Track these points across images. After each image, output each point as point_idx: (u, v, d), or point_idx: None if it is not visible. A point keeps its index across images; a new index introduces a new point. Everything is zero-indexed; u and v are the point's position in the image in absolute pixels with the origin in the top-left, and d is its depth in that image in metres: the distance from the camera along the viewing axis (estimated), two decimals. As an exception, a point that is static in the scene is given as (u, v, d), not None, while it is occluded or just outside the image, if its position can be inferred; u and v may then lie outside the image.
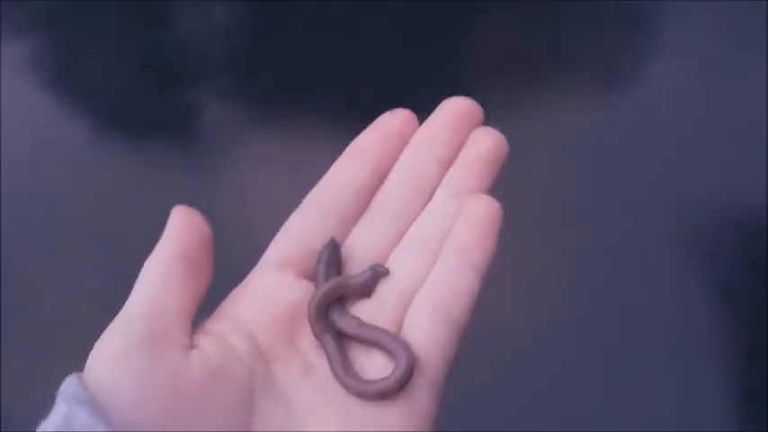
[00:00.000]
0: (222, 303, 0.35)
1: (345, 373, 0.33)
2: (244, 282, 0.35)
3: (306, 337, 0.34)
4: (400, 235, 0.36)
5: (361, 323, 0.34)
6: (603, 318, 0.89)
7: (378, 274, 0.34)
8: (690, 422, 0.80)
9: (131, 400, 0.30)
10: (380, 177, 0.37)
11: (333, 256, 0.35)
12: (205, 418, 0.30)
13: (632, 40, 0.98)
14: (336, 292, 0.34)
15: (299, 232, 0.35)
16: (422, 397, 0.33)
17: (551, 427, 0.81)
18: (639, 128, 0.95)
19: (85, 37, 1.03)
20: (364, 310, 0.34)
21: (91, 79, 1.01)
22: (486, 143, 0.37)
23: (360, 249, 0.35)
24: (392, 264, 0.35)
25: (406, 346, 0.33)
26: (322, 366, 0.33)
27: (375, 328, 0.33)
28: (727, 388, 0.80)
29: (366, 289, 0.35)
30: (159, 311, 0.31)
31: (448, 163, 0.37)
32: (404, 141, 0.37)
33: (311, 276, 0.35)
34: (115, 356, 0.30)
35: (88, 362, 0.31)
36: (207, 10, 0.99)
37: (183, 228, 0.33)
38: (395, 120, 0.37)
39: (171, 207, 0.36)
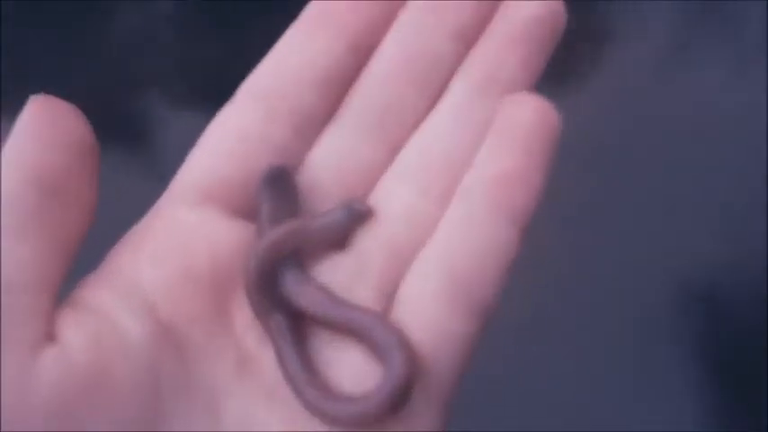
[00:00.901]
0: (108, 256, 0.22)
1: (304, 379, 0.20)
2: (142, 221, 0.22)
3: (241, 312, 0.21)
4: (393, 152, 0.23)
5: (330, 297, 0.21)
6: (602, 318, 0.84)
7: (356, 214, 0.22)
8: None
9: None
10: (360, 57, 0.23)
11: (284, 184, 0.22)
12: None
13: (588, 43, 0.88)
14: (291, 243, 0.21)
15: (229, 144, 0.22)
16: (422, 418, 0.21)
17: (550, 427, 0.77)
18: (598, 123, 0.87)
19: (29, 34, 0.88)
20: (334, 276, 0.22)
21: (36, 80, 0.86)
22: (533, 9, 0.23)
23: (327, 174, 0.22)
24: (380, 200, 0.22)
25: (403, 341, 0.20)
26: (266, 358, 0.21)
27: (352, 307, 0.21)
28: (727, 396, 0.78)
29: (337, 239, 0.22)
30: None
31: (471, 38, 0.23)
32: (398, 6, 0.24)
33: (249, 216, 0.22)
34: None
35: None
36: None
37: (40, 131, 0.20)
38: None
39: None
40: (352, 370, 0.21)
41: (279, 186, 0.21)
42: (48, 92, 0.21)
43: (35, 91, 0.22)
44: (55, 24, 0.86)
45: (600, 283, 0.83)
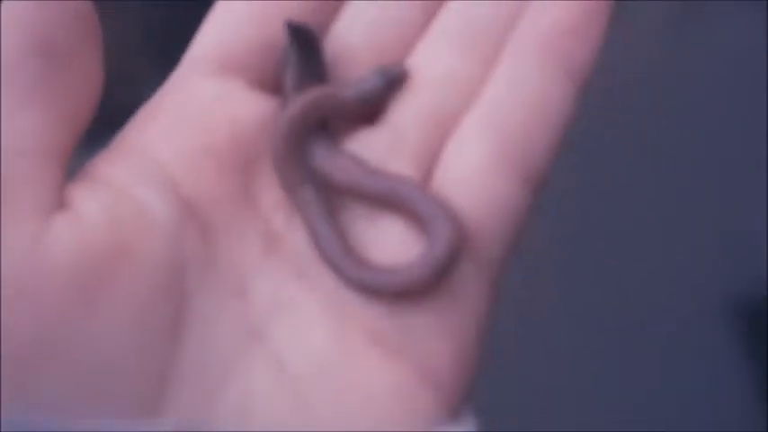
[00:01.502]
0: (123, 130, 0.20)
1: (341, 253, 0.19)
2: (157, 95, 0.20)
3: (267, 190, 0.19)
4: (429, 13, 0.21)
5: (365, 167, 0.19)
6: (603, 317, 0.85)
7: (392, 79, 0.20)
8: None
9: None
10: None
11: (310, 48, 0.20)
12: (83, 345, 0.16)
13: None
14: (320, 113, 0.20)
15: (249, 7, 0.20)
16: (470, 295, 0.19)
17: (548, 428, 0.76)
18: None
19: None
20: (369, 147, 0.20)
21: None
22: None
23: (357, 38, 0.21)
24: (419, 64, 0.20)
25: (448, 208, 0.18)
26: (296, 238, 0.19)
27: (391, 175, 0.19)
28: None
29: (372, 108, 0.20)
30: None
31: None
32: None
33: (272, 86, 0.20)
34: None
35: None
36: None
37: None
38: None
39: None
40: (389, 244, 0.19)
41: (304, 50, 0.20)
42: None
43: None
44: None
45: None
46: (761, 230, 0.78)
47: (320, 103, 0.19)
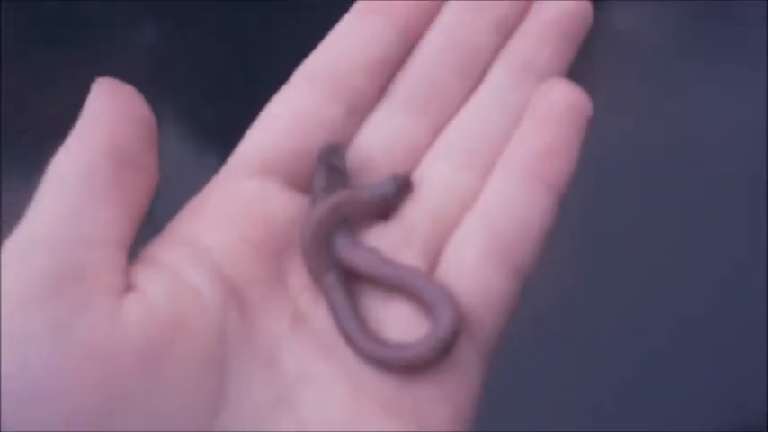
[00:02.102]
0: (173, 221, 0.23)
1: (357, 331, 0.22)
2: (204, 190, 0.24)
3: (296, 275, 0.23)
4: (437, 131, 0.25)
5: (381, 258, 0.23)
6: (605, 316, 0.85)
7: (402, 186, 0.24)
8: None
9: (31, 381, 0.19)
10: (408, 45, 0.25)
11: (337, 160, 0.24)
12: (148, 403, 0.20)
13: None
14: (343, 211, 0.23)
15: (287, 122, 0.24)
16: (468, 369, 0.22)
17: (546, 428, 0.77)
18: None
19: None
20: (383, 240, 0.23)
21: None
22: (566, 5, 0.25)
23: (377, 150, 0.24)
24: (425, 174, 0.24)
25: (450, 296, 0.22)
26: (320, 317, 0.23)
27: (402, 266, 0.23)
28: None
29: (386, 208, 0.24)
30: (75, 236, 0.20)
31: (509, 30, 0.26)
32: None
33: (304, 188, 0.24)
34: (4, 312, 0.19)
35: None
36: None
37: (110, 109, 0.22)
38: None
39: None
40: (400, 324, 0.22)
41: (332, 162, 0.23)
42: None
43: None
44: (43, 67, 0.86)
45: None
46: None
47: (342, 204, 0.23)
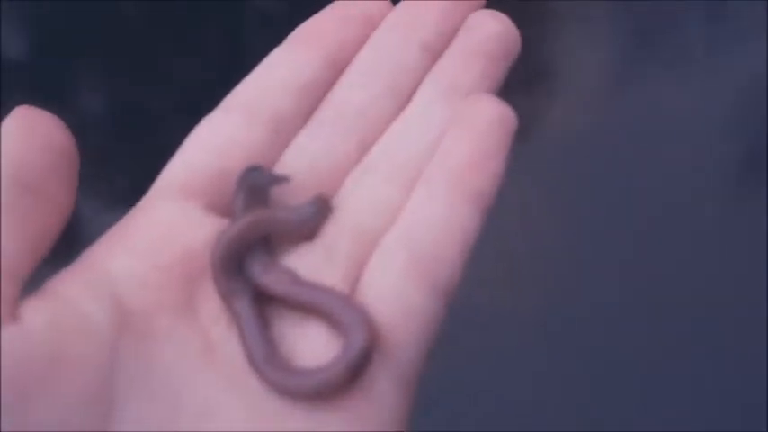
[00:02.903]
0: (87, 249, 0.22)
1: (265, 358, 0.21)
2: (125, 217, 0.23)
3: (210, 302, 0.22)
4: (362, 150, 0.24)
5: (294, 279, 0.21)
6: (603, 314, 0.86)
7: (323, 207, 0.22)
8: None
9: None
10: (336, 71, 0.25)
11: (259, 180, 0.23)
12: None
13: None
14: (257, 232, 0.22)
15: (212, 145, 0.23)
16: (384, 394, 0.21)
17: (543, 428, 0.76)
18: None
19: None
20: (305, 261, 0.22)
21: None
22: (492, 29, 0.25)
23: (301, 171, 0.23)
24: (349, 192, 0.23)
25: (364, 317, 0.21)
26: (231, 346, 0.21)
27: (316, 286, 0.21)
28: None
29: (305, 230, 0.22)
30: None
31: (436, 52, 0.25)
32: (372, 27, 0.25)
33: (225, 211, 0.23)
34: None
35: None
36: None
37: (20, 136, 0.21)
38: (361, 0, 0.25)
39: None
40: (315, 349, 0.21)
41: (253, 183, 0.22)
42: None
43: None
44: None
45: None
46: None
47: (256, 224, 0.22)
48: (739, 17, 0.95)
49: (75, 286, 0.21)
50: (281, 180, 0.23)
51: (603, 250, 0.87)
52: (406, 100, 0.24)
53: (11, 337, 0.19)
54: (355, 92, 0.24)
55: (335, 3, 0.26)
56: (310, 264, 0.22)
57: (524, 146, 0.90)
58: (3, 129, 0.21)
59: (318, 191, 0.23)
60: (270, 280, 0.21)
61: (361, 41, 0.25)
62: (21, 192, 0.20)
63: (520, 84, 0.96)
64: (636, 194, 0.90)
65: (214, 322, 0.21)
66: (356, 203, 0.23)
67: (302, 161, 0.23)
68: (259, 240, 0.22)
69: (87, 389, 0.19)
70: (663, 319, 0.84)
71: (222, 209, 0.23)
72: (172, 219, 0.22)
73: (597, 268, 0.87)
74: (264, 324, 0.21)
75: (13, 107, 0.22)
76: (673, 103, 0.93)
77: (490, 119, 0.23)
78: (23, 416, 0.18)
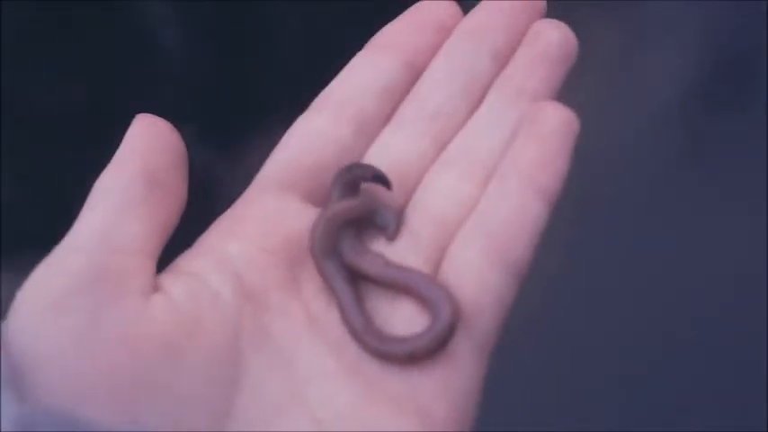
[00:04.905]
0: (202, 235, 0.26)
1: (363, 328, 0.24)
2: (232, 207, 0.26)
3: (310, 281, 0.25)
4: (440, 147, 0.27)
5: (385, 261, 0.25)
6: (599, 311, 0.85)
7: (399, 217, 0.26)
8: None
9: (66, 365, 0.21)
10: (414, 74, 0.28)
11: (360, 175, 0.26)
12: (170, 388, 0.22)
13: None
14: (349, 215, 0.25)
15: (306, 142, 0.27)
16: (466, 362, 0.24)
17: (542, 427, 0.77)
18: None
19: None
20: (392, 247, 0.26)
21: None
22: (553, 37, 0.28)
23: (384, 165, 0.27)
24: (429, 186, 0.26)
25: (448, 294, 0.24)
26: (331, 318, 0.24)
27: (406, 268, 0.25)
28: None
29: (385, 228, 0.26)
30: (110, 244, 0.23)
31: (504, 59, 0.28)
32: (445, 32, 0.28)
33: (320, 202, 0.26)
34: (45, 304, 0.22)
35: (9, 315, 0.22)
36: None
37: (146, 140, 0.25)
38: (433, 7, 0.29)
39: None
40: (405, 322, 0.24)
41: (352, 179, 0.26)
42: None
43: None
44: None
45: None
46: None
47: (350, 209, 0.25)
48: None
49: (201, 264, 0.24)
50: (380, 178, 0.26)
51: (604, 249, 0.88)
52: (478, 103, 0.28)
53: (160, 305, 0.23)
54: (431, 94, 0.27)
55: (411, 9, 0.29)
56: (397, 249, 0.25)
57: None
58: (129, 135, 0.25)
59: (402, 184, 0.26)
60: (364, 263, 0.25)
61: (435, 46, 0.28)
62: (152, 186, 0.24)
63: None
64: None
65: (315, 299, 0.25)
66: (436, 196, 0.26)
67: (386, 156, 0.27)
68: (352, 226, 0.25)
69: (219, 351, 0.23)
70: (663, 319, 0.85)
71: (318, 200, 0.26)
72: (274, 209, 0.25)
73: (596, 267, 0.87)
74: (360, 299, 0.24)
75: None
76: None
77: (556, 123, 0.26)
78: (176, 371, 0.22)
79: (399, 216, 0.26)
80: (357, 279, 0.25)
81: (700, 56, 0.94)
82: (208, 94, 0.89)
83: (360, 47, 0.29)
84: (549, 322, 0.80)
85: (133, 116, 0.26)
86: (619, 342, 0.82)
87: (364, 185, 0.26)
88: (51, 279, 0.22)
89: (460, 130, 0.27)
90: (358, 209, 0.25)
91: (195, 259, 0.25)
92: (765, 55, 0.92)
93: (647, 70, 0.91)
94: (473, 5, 0.29)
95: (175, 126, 0.26)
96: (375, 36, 0.28)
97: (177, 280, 0.24)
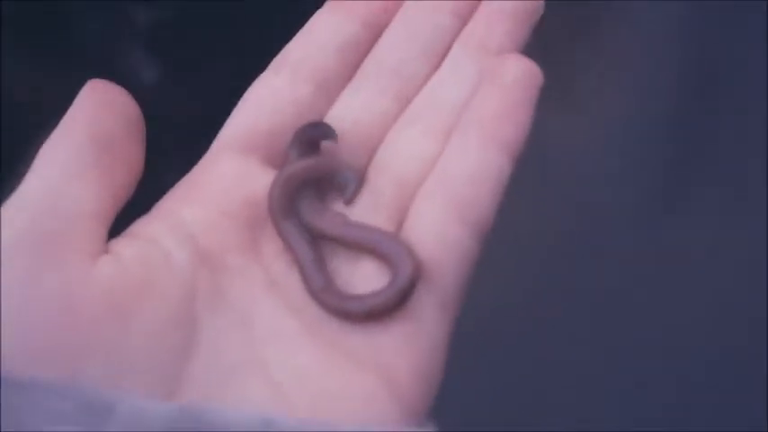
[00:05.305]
0: (161, 200, 0.25)
1: (323, 287, 0.23)
2: (190, 172, 0.26)
3: (271, 243, 0.25)
4: (402, 104, 0.27)
5: (346, 220, 0.24)
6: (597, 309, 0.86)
7: (360, 177, 0.25)
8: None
9: (5, 325, 0.21)
10: (375, 32, 0.27)
11: (312, 134, 0.26)
12: (115, 349, 0.21)
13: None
14: (308, 175, 0.25)
15: (264, 103, 0.26)
16: (428, 318, 0.23)
17: (541, 427, 0.77)
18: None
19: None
20: (353, 207, 0.25)
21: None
22: None
23: (346, 125, 0.26)
24: (393, 143, 0.26)
25: (409, 250, 0.23)
26: (291, 281, 0.24)
27: (366, 226, 0.24)
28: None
29: (344, 187, 0.25)
30: (56, 206, 0.23)
31: (466, 17, 0.28)
32: None
33: (280, 164, 0.26)
34: None
35: None
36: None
37: (95, 105, 0.24)
38: None
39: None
40: (366, 281, 0.24)
41: (307, 138, 0.25)
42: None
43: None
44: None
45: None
46: None
47: (308, 167, 0.25)
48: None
49: (155, 228, 0.24)
50: (331, 134, 0.25)
51: (604, 249, 0.88)
52: (440, 59, 0.27)
53: (108, 265, 0.22)
54: (393, 52, 0.27)
55: None
56: (359, 209, 0.25)
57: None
58: (79, 99, 0.24)
59: (363, 142, 0.26)
60: (323, 222, 0.24)
61: (396, 6, 0.28)
62: (100, 151, 0.24)
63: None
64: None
65: (275, 260, 0.24)
66: (399, 154, 0.25)
67: (347, 115, 0.26)
68: (311, 186, 0.25)
69: (173, 312, 0.22)
70: (663, 319, 0.85)
71: (278, 163, 0.26)
72: (234, 171, 0.25)
73: (597, 267, 0.87)
74: (321, 259, 0.24)
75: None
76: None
77: (517, 74, 0.25)
78: (123, 332, 0.21)
79: (360, 176, 0.25)
80: (318, 240, 0.24)
81: (700, 56, 0.94)
82: (188, 131, 0.89)
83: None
84: (550, 322, 0.80)
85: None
86: (619, 342, 0.82)
87: (324, 144, 0.26)
88: None
89: (424, 86, 0.27)
90: (316, 168, 0.25)
91: (150, 224, 0.24)
92: (765, 55, 0.92)
93: (647, 70, 0.91)
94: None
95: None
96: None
97: (130, 244, 0.23)
